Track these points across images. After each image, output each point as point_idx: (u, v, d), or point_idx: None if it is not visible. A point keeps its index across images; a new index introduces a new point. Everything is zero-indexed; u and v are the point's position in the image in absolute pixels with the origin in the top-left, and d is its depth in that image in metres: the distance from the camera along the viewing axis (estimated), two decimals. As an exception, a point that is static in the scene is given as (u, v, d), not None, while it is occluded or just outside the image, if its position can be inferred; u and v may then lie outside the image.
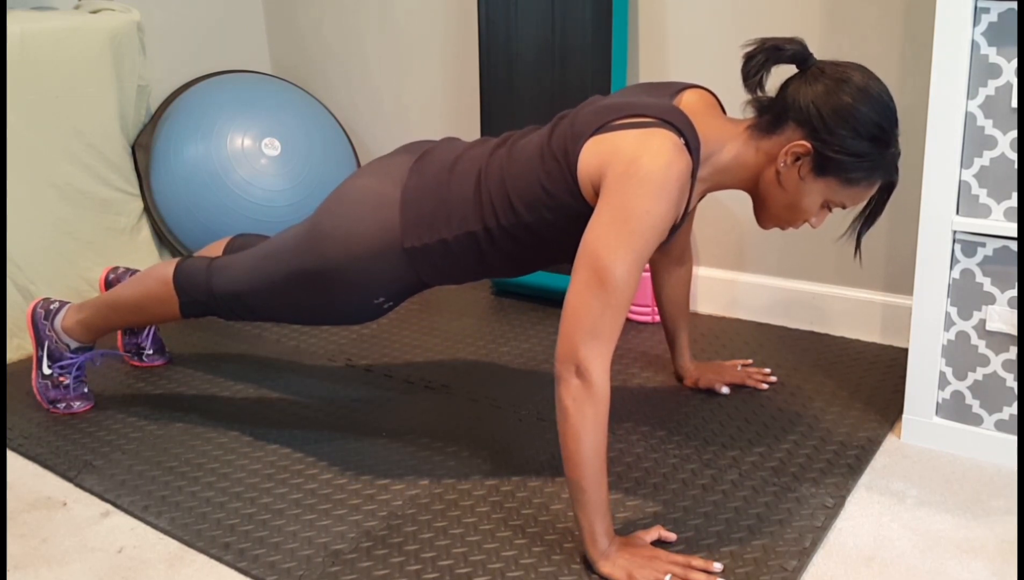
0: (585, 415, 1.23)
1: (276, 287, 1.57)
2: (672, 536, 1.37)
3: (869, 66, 1.91)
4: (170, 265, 1.70)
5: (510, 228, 1.42)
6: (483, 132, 2.36)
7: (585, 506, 1.26)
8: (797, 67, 1.35)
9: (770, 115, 1.36)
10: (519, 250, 1.45)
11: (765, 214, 1.44)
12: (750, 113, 1.39)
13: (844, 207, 1.39)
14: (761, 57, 1.32)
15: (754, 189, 1.42)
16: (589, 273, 1.23)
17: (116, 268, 2.06)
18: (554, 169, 1.36)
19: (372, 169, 1.55)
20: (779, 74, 1.37)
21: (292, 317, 1.62)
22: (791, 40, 1.32)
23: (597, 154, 1.31)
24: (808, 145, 1.32)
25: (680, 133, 1.30)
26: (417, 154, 1.54)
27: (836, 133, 1.30)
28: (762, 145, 1.37)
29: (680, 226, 1.43)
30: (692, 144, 1.32)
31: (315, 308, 1.57)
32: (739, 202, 2.16)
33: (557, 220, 1.38)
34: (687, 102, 1.42)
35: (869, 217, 1.44)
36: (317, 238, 1.51)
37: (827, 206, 1.39)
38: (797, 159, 1.34)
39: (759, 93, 1.35)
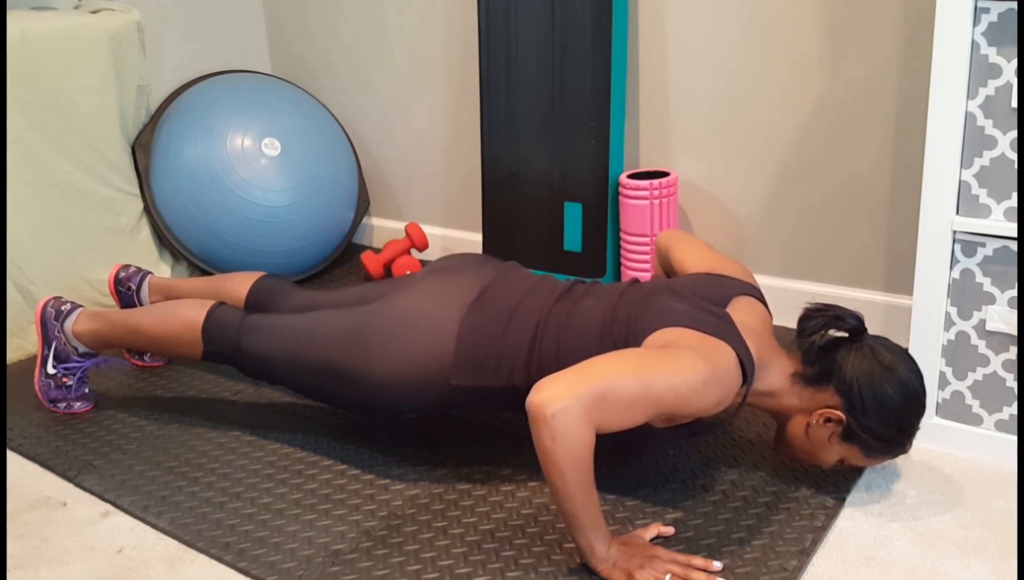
0: (566, 453, 1.18)
1: (306, 369, 1.56)
2: (670, 530, 1.38)
3: (868, 65, 1.91)
4: (201, 309, 1.68)
5: None
6: (483, 132, 2.36)
7: (580, 528, 1.26)
8: (850, 337, 1.40)
9: (815, 370, 1.40)
10: None
11: (785, 449, 1.48)
12: (796, 350, 1.43)
13: (856, 467, 1.46)
14: (820, 321, 1.39)
15: (782, 424, 1.47)
16: (629, 361, 1.25)
17: (127, 266, 2.04)
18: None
19: (430, 289, 1.54)
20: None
21: (314, 397, 1.63)
22: (852, 314, 1.39)
23: (661, 340, 1.33)
24: (843, 417, 1.37)
25: (738, 354, 1.33)
26: (478, 281, 1.54)
27: (870, 416, 1.36)
28: (803, 394, 1.41)
29: (702, 431, 1.44)
30: (748, 369, 1.35)
31: (338, 399, 1.58)
32: (739, 201, 2.16)
33: None
34: (743, 315, 1.43)
35: (873, 464, 1.50)
36: (361, 346, 1.50)
37: (842, 462, 1.44)
38: (828, 421, 1.39)
39: (810, 347, 1.40)
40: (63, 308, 1.80)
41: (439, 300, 1.52)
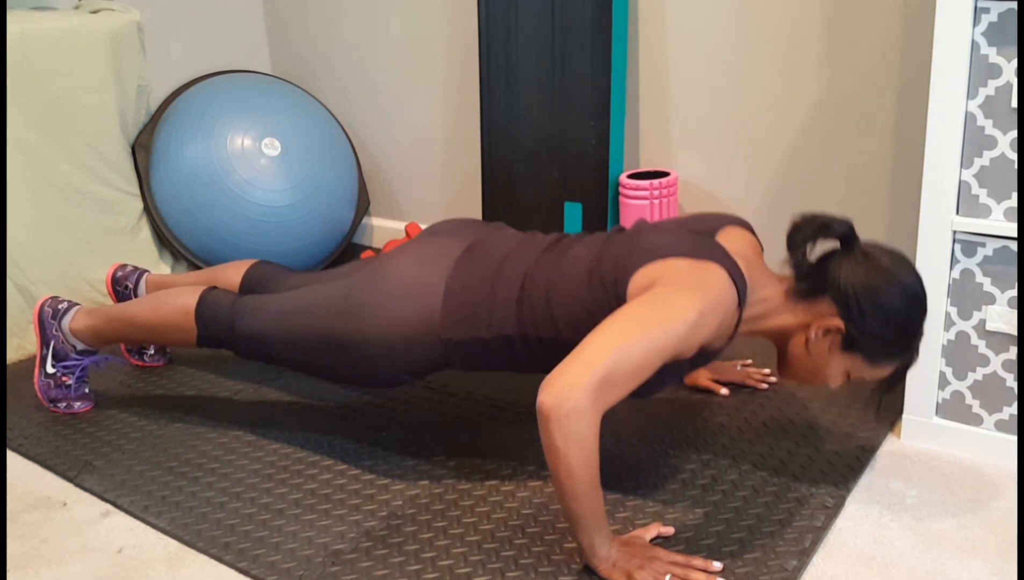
0: (577, 453, 1.19)
1: (301, 343, 1.56)
2: (670, 530, 1.37)
3: (868, 65, 1.91)
4: (193, 294, 1.69)
5: (548, 342, 1.42)
6: (483, 132, 2.36)
7: (584, 528, 1.25)
8: (841, 245, 1.38)
9: (808, 283, 1.38)
10: (552, 359, 1.44)
11: (788, 370, 1.47)
12: (787, 270, 1.41)
13: (863, 379, 1.43)
14: (809, 231, 1.36)
15: (782, 345, 1.45)
16: (625, 326, 1.24)
17: (124, 266, 2.04)
18: (602, 297, 1.37)
19: (418, 251, 1.55)
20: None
21: (310, 372, 1.63)
22: (840, 220, 1.36)
23: (648, 277, 1.33)
24: (841, 325, 1.35)
25: (729, 273, 1.32)
26: (465, 241, 1.54)
27: (869, 320, 1.33)
28: (797, 310, 1.40)
29: (707, 360, 1.43)
30: (740, 286, 1.34)
31: (336, 370, 1.58)
32: (739, 202, 2.16)
33: None
34: (732, 243, 1.42)
35: (890, 385, 1.46)
36: (353, 311, 1.50)
37: (847, 376, 1.42)
38: (827, 332, 1.37)
39: (802, 261, 1.38)
40: (60, 306, 1.81)
41: (427, 260, 1.52)
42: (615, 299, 1.35)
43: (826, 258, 1.38)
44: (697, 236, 1.40)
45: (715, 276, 1.30)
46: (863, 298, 1.32)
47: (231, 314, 1.63)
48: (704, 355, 1.39)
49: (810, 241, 1.36)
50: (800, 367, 1.43)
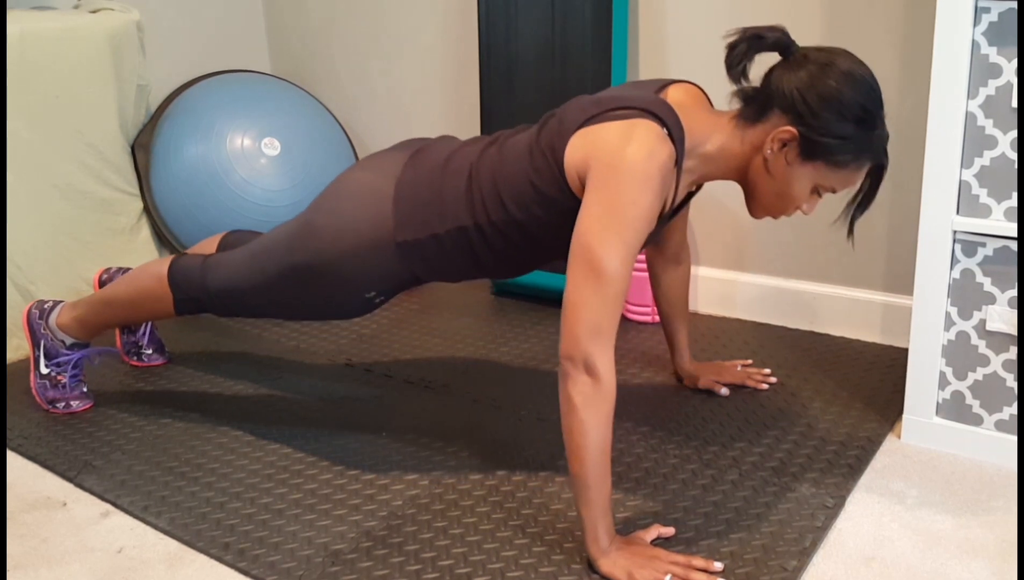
0: (593, 411, 1.24)
1: (270, 282, 1.57)
2: (670, 531, 1.38)
3: (868, 65, 1.91)
4: (164, 262, 1.70)
5: (501, 225, 1.43)
6: (483, 131, 2.36)
7: (589, 503, 1.26)
8: (780, 55, 1.35)
9: (755, 104, 1.36)
10: (511, 248, 1.46)
11: (756, 204, 1.44)
12: (736, 104, 1.39)
13: (834, 191, 1.39)
14: (743, 46, 1.32)
15: (743, 179, 1.42)
16: (584, 268, 1.25)
17: (109, 269, 2.06)
18: (542, 166, 1.37)
19: (366, 164, 1.56)
20: (763, 63, 1.36)
21: (286, 313, 1.64)
22: (772, 28, 1.32)
23: (582, 147, 1.32)
24: (794, 130, 1.32)
25: (663, 123, 1.31)
26: (412, 150, 1.55)
27: (821, 117, 1.30)
28: (748, 134, 1.37)
29: (670, 217, 1.44)
30: (675, 134, 1.32)
31: (308, 303, 1.59)
32: (738, 202, 2.16)
33: (548, 217, 1.39)
34: (672, 95, 1.42)
35: (862, 202, 1.42)
36: (310, 233, 1.52)
37: (817, 191, 1.39)
38: (783, 145, 1.34)
39: (743, 83, 1.36)
40: (46, 306, 1.83)
41: (375, 171, 1.53)
42: (555, 167, 1.35)
43: (767, 74, 1.36)
44: (634, 89, 1.39)
45: (646, 135, 1.27)
46: (808, 95, 1.29)
47: (202, 272, 1.65)
48: (663, 218, 1.41)
49: (747, 59, 1.33)
50: (766, 195, 1.40)
